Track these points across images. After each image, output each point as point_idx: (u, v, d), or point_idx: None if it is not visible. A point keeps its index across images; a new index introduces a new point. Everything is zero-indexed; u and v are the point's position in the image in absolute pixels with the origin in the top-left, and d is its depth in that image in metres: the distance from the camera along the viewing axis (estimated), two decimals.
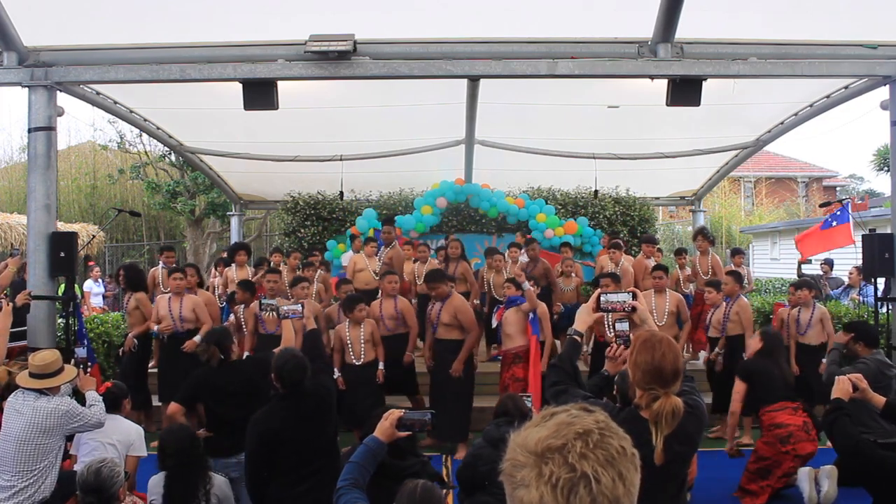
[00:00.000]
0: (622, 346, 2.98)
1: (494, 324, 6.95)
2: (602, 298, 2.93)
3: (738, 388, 5.43)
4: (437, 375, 6.61)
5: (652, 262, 8.37)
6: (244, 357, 6.44)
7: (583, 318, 2.93)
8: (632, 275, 8.54)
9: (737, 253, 9.37)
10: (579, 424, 1.13)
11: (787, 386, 5.41)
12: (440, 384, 6.55)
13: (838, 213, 9.47)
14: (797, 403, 5.29)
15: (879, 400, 3.72)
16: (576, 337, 2.91)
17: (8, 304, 5.29)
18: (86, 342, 6.87)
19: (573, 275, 8.94)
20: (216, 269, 9.41)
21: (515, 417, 3.67)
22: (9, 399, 4.28)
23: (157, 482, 3.80)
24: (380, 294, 7.13)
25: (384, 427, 2.69)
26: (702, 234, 8.81)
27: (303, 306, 4.62)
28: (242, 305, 7.14)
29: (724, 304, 6.93)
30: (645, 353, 2.38)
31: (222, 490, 3.80)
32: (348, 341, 6.44)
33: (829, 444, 5.19)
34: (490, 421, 3.91)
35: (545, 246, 11.83)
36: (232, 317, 7.47)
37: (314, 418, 3.80)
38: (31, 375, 4.25)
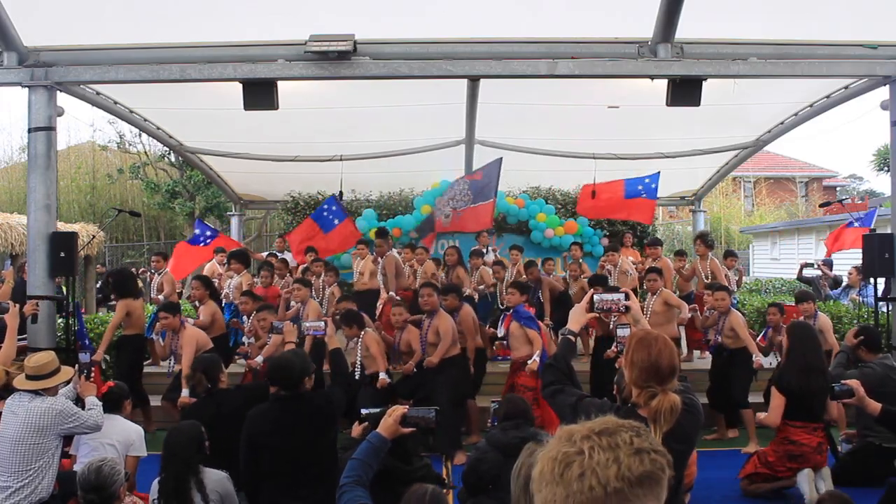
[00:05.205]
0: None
1: (501, 332, 6.84)
2: (596, 298, 2.94)
3: (777, 401, 5.06)
4: (426, 391, 6.42)
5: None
6: (259, 360, 6.50)
7: (577, 318, 2.94)
8: (629, 276, 8.60)
9: (729, 255, 9.26)
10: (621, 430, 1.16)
11: (816, 401, 5.08)
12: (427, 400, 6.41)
13: (862, 214, 9.65)
14: (819, 424, 5.11)
15: (875, 406, 3.71)
16: (570, 336, 2.92)
17: (15, 306, 5.31)
18: (86, 342, 6.88)
19: (581, 276, 8.94)
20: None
21: (521, 421, 3.66)
22: (7, 401, 4.30)
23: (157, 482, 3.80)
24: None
25: (388, 423, 2.68)
26: (701, 239, 8.82)
27: (326, 324, 4.53)
28: (246, 316, 7.18)
29: (719, 318, 6.76)
30: (641, 352, 2.39)
31: (223, 486, 3.76)
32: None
33: (833, 457, 5.22)
34: (491, 424, 3.90)
35: (545, 246, 11.86)
36: (245, 319, 7.42)
37: (312, 423, 3.80)
38: (27, 377, 4.28)
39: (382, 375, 6.31)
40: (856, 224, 9.67)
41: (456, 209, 9.62)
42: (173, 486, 3.55)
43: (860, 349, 5.59)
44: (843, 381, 3.80)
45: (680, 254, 9.13)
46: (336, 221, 9.94)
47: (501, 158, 9.17)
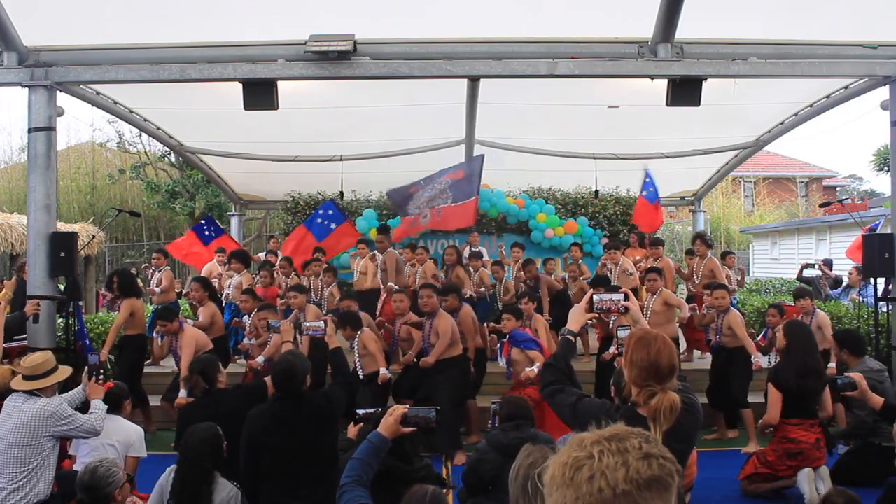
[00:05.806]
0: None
1: (502, 361, 6.68)
2: (595, 298, 2.94)
3: (774, 396, 5.09)
4: (427, 391, 6.41)
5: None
6: (259, 360, 6.53)
7: (576, 318, 2.95)
8: (629, 275, 8.60)
9: (728, 254, 9.33)
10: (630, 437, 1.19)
11: (812, 399, 5.12)
12: (428, 400, 6.35)
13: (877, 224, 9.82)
14: (816, 420, 5.12)
15: (878, 401, 3.74)
16: (569, 336, 2.92)
17: (1, 304, 5.30)
18: (87, 342, 6.88)
19: (580, 277, 8.93)
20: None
21: (522, 422, 3.66)
22: (5, 402, 4.28)
23: (168, 472, 3.73)
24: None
25: (388, 423, 2.68)
26: (700, 239, 8.86)
27: (325, 324, 4.54)
28: (246, 316, 7.17)
29: (718, 316, 6.76)
30: (640, 351, 2.40)
31: (238, 502, 3.68)
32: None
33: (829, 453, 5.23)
34: (491, 424, 3.89)
35: (545, 246, 11.85)
36: (246, 319, 7.42)
37: (312, 423, 3.80)
38: (23, 378, 4.26)
39: (383, 371, 6.30)
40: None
41: (435, 208, 9.57)
42: (188, 489, 3.52)
43: (843, 351, 5.60)
44: (845, 374, 3.81)
45: (690, 254, 9.16)
46: (333, 226, 9.98)
47: (483, 156, 9.13)
